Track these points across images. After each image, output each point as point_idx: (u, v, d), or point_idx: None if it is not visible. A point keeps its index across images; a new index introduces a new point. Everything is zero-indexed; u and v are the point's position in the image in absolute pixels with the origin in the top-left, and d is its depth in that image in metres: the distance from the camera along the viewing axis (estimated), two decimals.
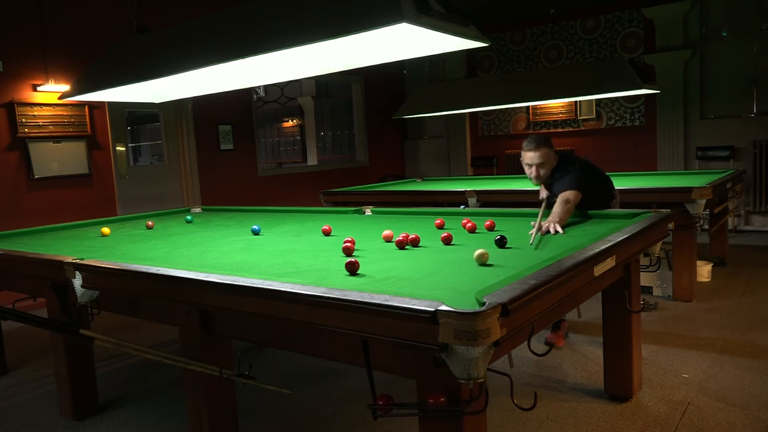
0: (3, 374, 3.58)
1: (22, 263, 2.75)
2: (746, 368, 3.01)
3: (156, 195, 6.24)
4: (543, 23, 8.14)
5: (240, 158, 7.13)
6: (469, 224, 2.81)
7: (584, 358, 3.28)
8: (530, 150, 3.11)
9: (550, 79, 5.38)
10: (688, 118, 7.21)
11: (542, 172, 3.13)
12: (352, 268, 1.96)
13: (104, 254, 2.73)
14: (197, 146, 6.63)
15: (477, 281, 1.76)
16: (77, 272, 2.39)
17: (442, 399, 1.51)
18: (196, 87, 3.11)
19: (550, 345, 3.39)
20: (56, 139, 5.28)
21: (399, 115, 6.05)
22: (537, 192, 3.50)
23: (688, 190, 3.91)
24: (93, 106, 5.53)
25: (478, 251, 2.07)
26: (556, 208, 2.84)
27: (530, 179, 3.20)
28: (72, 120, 5.38)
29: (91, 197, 5.58)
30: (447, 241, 2.50)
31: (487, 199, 4.55)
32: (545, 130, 8.46)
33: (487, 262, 2.03)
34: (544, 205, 3.01)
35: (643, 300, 4.05)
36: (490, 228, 2.80)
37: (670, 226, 2.87)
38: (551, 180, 3.17)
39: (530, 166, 3.13)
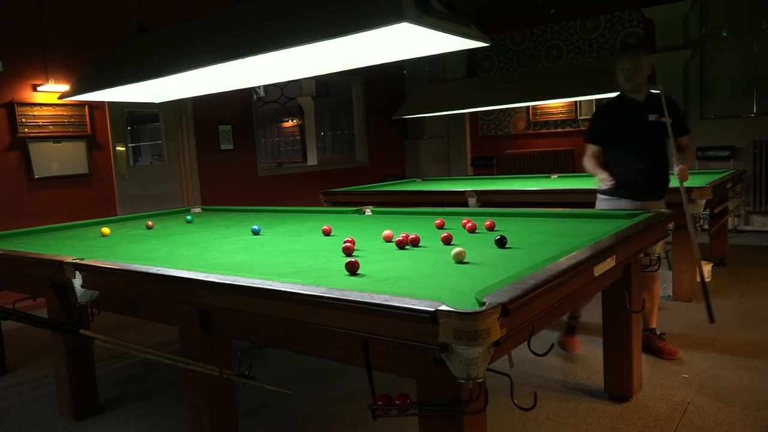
0: (3, 374, 3.58)
1: (22, 263, 2.74)
2: (746, 368, 3.01)
3: (156, 195, 6.23)
4: (543, 23, 8.14)
5: (240, 158, 7.13)
6: (469, 224, 2.81)
7: (584, 358, 3.28)
8: (624, 57, 3.33)
9: (550, 79, 5.38)
10: (688, 118, 7.20)
11: (637, 78, 3.28)
12: (352, 268, 1.96)
13: (104, 254, 2.73)
14: (197, 146, 6.63)
15: (477, 281, 1.75)
16: (77, 272, 2.38)
17: (396, 401, 1.55)
18: (196, 87, 3.11)
19: (562, 348, 3.25)
20: (56, 139, 5.28)
21: (399, 115, 6.06)
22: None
23: (688, 191, 3.90)
24: (93, 106, 5.53)
25: (455, 250, 2.09)
26: (684, 157, 3.40)
27: (624, 86, 3.33)
28: (72, 120, 5.38)
29: (91, 197, 5.58)
30: (447, 241, 2.50)
31: (487, 199, 4.55)
32: (545, 130, 8.46)
33: (484, 262, 2.03)
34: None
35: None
36: (490, 228, 2.80)
37: (670, 226, 2.87)
38: (648, 98, 3.36)
39: (625, 70, 3.29)
